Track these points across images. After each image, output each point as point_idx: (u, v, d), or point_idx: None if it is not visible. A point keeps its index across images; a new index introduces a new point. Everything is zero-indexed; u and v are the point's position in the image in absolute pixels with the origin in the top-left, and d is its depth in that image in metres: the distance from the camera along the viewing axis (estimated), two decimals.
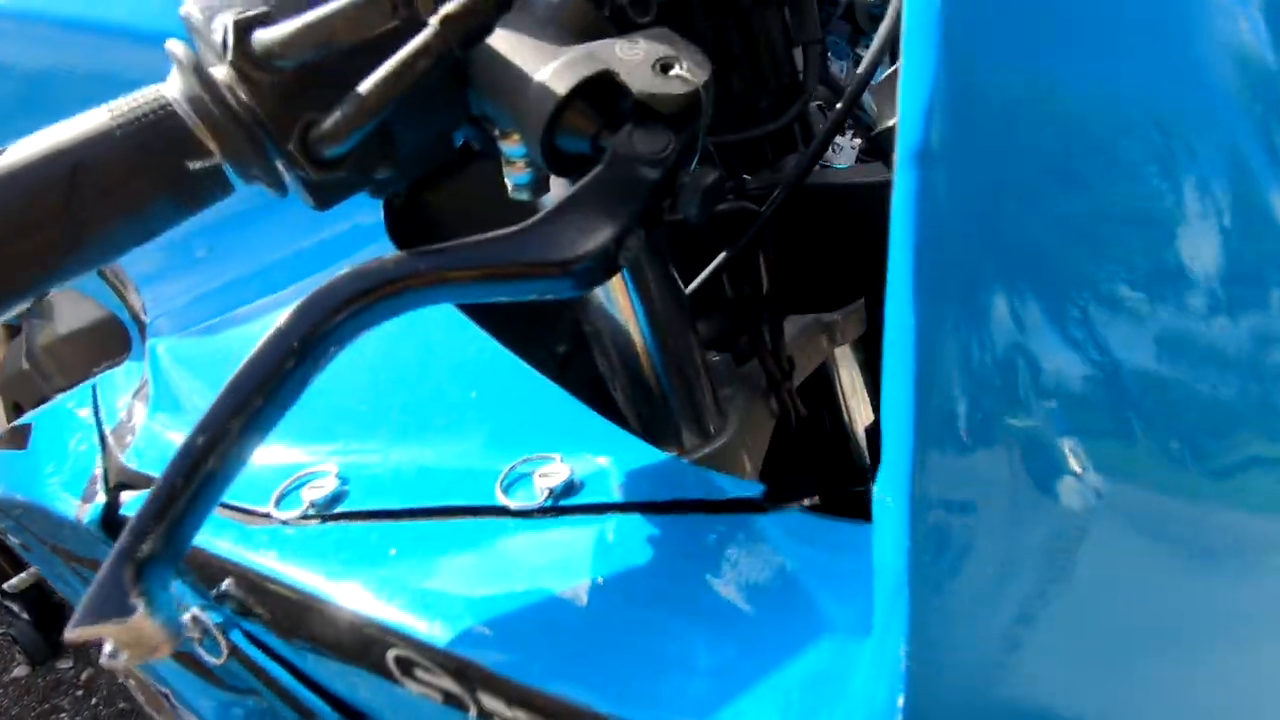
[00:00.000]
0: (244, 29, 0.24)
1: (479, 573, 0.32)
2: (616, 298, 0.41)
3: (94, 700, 1.46)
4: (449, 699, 0.30)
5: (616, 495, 0.34)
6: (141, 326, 0.54)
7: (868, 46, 0.61)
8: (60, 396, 0.54)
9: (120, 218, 0.27)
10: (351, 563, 0.34)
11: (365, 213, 0.52)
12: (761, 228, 0.47)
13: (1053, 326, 0.17)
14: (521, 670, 0.26)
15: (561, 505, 0.34)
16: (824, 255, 0.54)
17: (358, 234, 0.51)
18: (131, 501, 0.42)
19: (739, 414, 0.48)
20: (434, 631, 0.29)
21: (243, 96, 0.26)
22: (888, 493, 0.17)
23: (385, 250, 0.40)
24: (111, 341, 0.61)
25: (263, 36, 0.24)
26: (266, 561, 0.35)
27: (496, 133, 0.34)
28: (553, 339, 0.52)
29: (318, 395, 0.44)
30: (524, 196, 0.34)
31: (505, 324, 0.44)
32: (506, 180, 0.35)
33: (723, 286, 0.52)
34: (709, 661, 0.25)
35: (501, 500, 0.34)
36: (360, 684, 0.36)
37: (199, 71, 0.26)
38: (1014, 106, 0.19)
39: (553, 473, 0.35)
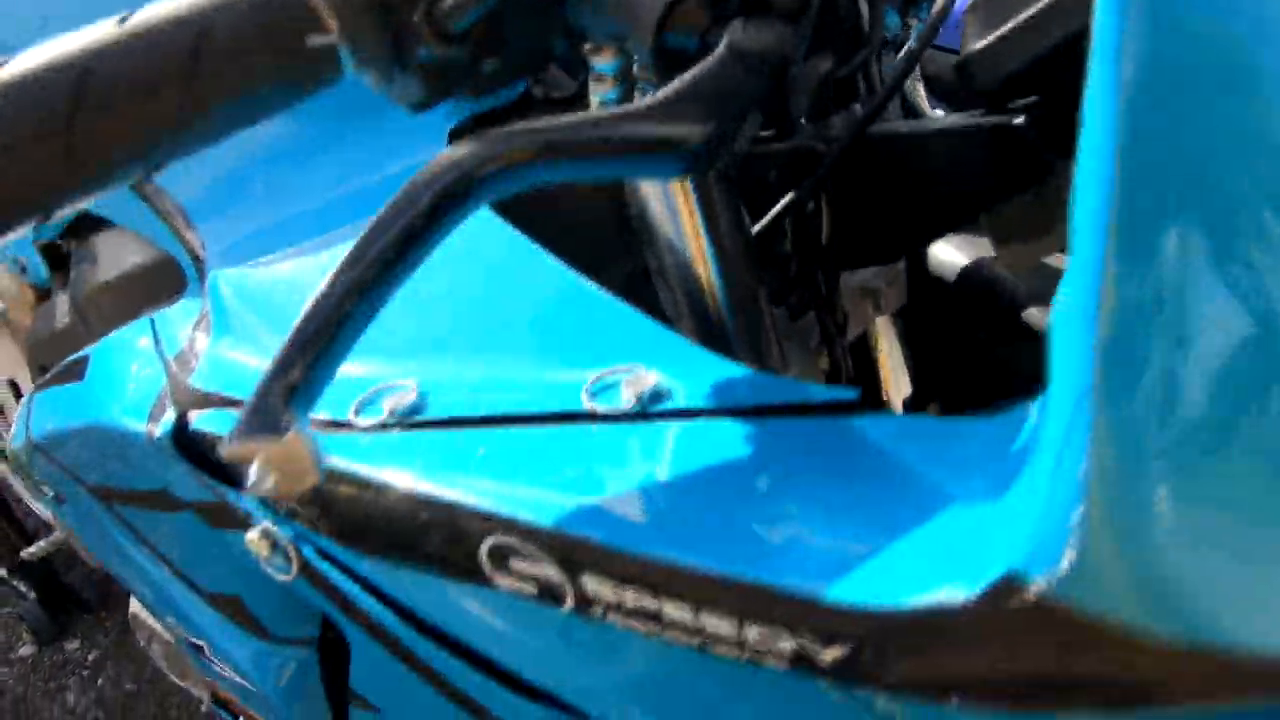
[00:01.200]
0: None
1: (575, 467, 0.32)
2: (686, 232, 0.41)
3: (100, 681, 1.44)
4: (545, 591, 0.30)
5: (708, 402, 0.34)
6: (199, 262, 0.54)
7: (919, 18, 0.61)
8: (117, 331, 0.54)
9: (239, 88, 0.27)
10: (439, 463, 0.34)
11: (422, 152, 0.52)
12: (825, 173, 0.47)
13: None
14: (634, 540, 0.26)
15: (651, 411, 0.34)
16: (876, 207, 0.55)
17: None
18: (204, 417, 0.42)
19: (795, 368, 0.48)
20: (537, 513, 0.29)
21: None
22: (1072, 294, 0.17)
23: None
24: (162, 285, 0.61)
25: None
26: (348, 466, 0.35)
27: (588, 47, 0.34)
28: (617, 266, 0.53)
29: (392, 318, 0.44)
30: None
31: (571, 250, 0.44)
32: (593, 98, 0.36)
33: (780, 238, 0.52)
34: (832, 527, 0.25)
35: (589, 406, 0.34)
36: (441, 589, 0.36)
37: None
38: None
39: (641, 380, 0.35)
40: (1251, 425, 0.17)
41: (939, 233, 0.55)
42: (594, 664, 0.34)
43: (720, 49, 0.29)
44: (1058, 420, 0.18)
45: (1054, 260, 0.67)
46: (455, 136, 0.53)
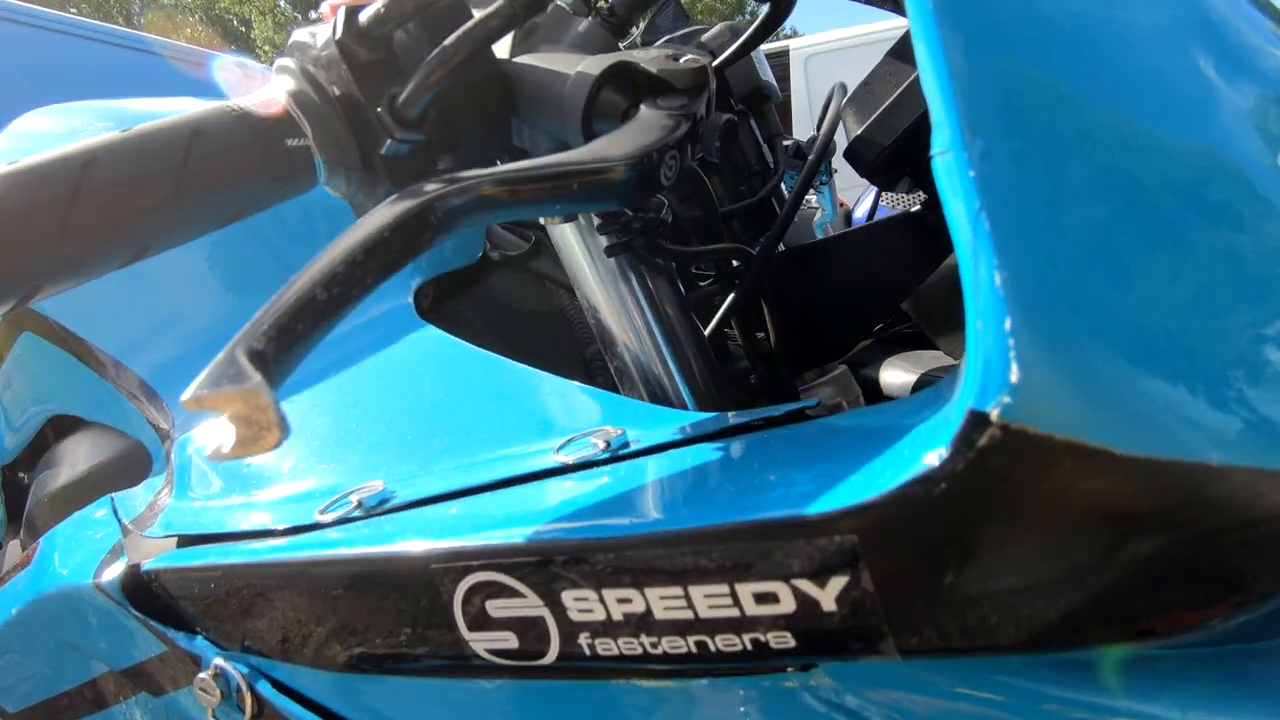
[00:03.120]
0: (352, 11, 0.31)
1: (549, 508, 0.31)
2: (631, 308, 0.45)
3: None
4: (526, 636, 0.28)
5: (676, 437, 0.34)
6: (164, 436, 0.54)
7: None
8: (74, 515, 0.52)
9: (225, 182, 0.31)
10: (410, 531, 0.32)
11: (389, 310, 0.56)
12: (759, 272, 0.52)
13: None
14: (609, 530, 0.25)
15: (622, 454, 0.34)
16: (813, 309, 0.59)
17: (388, 332, 0.55)
18: (157, 559, 0.39)
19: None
20: (510, 538, 0.28)
21: (341, 78, 0.32)
22: (943, 147, 0.20)
23: None
24: (119, 480, 0.60)
25: (367, 13, 0.30)
26: (313, 555, 0.33)
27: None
28: (581, 350, 0.54)
29: (352, 436, 0.44)
30: None
31: (540, 349, 0.46)
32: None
33: (732, 338, 0.56)
34: (804, 467, 0.24)
35: (559, 460, 0.34)
36: (410, 691, 0.32)
37: (304, 70, 0.32)
38: None
39: (608, 433, 0.35)
40: (1137, 222, 0.19)
41: (873, 324, 0.59)
42: None
43: (636, 116, 0.34)
44: (966, 260, 0.20)
45: None
46: (420, 299, 0.57)
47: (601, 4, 0.40)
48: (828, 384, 0.70)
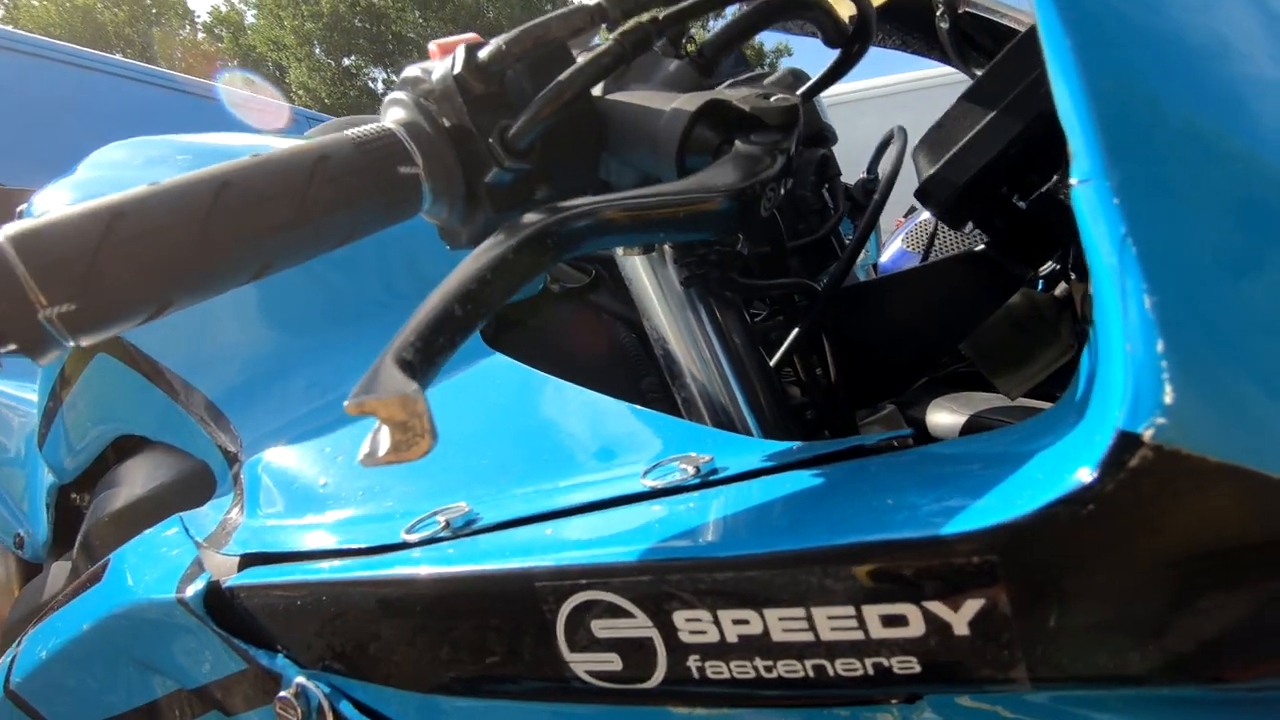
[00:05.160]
0: (473, 48, 0.32)
1: (644, 531, 0.31)
2: (700, 340, 0.46)
3: None
4: (631, 657, 0.28)
5: (767, 464, 0.34)
6: (231, 458, 0.55)
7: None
8: (142, 534, 0.52)
9: (341, 206, 0.32)
10: (506, 552, 0.32)
11: (465, 346, 0.57)
12: (823, 308, 0.53)
13: None
14: (723, 548, 0.25)
15: (712, 480, 0.34)
16: (873, 346, 0.59)
17: (458, 359, 0.55)
18: (238, 577, 0.40)
19: None
20: (619, 558, 0.28)
21: (455, 110, 0.33)
22: (1083, 176, 0.20)
23: None
24: (178, 502, 0.61)
25: (486, 50, 0.32)
26: (402, 573, 0.33)
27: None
28: (637, 381, 0.55)
29: (432, 457, 0.45)
30: None
31: (597, 379, 0.47)
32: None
33: (796, 372, 0.56)
34: (929, 489, 0.24)
35: (648, 484, 0.34)
36: (502, 714, 0.32)
37: (417, 103, 0.34)
38: None
39: (695, 459, 0.35)
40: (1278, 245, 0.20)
41: (931, 362, 0.59)
42: None
43: (734, 150, 0.35)
44: (1109, 285, 0.20)
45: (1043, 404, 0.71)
46: (483, 329, 0.59)
47: (690, 46, 0.41)
48: (877, 422, 0.70)
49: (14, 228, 0.26)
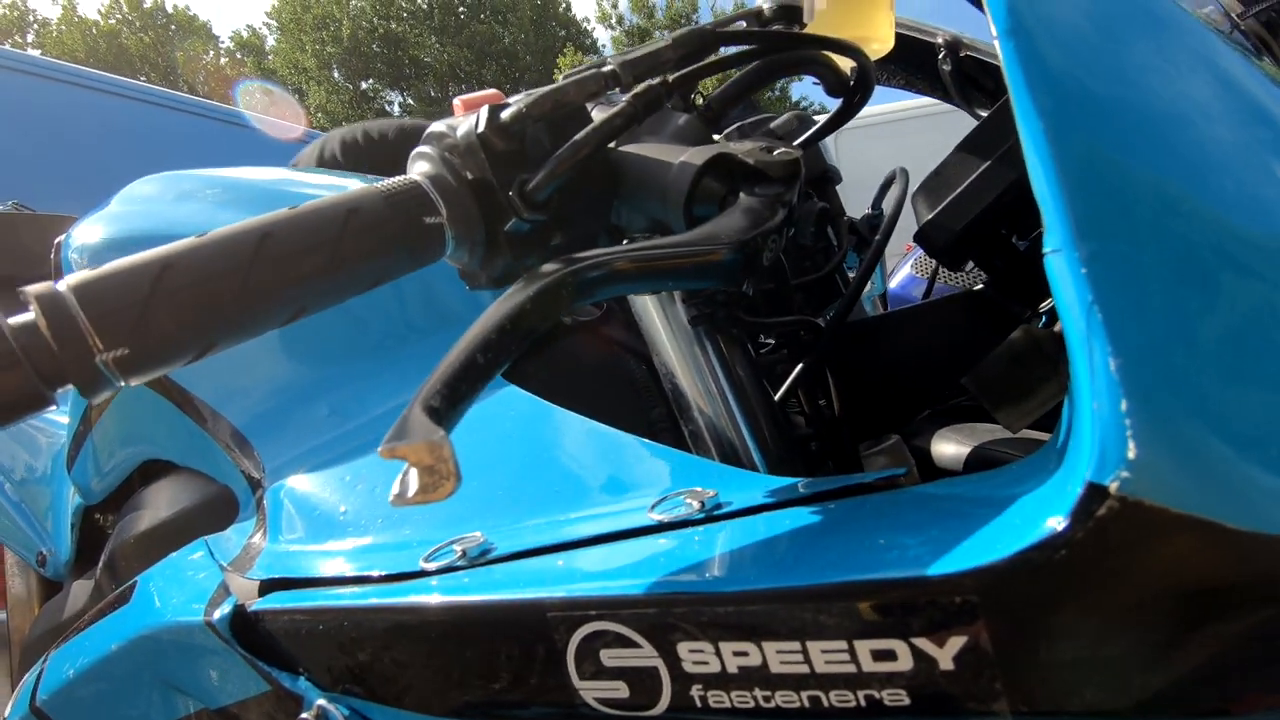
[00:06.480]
0: (496, 109, 0.35)
1: (652, 564, 0.32)
2: (707, 374, 0.48)
3: None
4: (637, 687, 0.29)
5: (769, 500, 0.36)
6: (255, 484, 0.57)
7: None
8: (168, 557, 0.54)
9: (371, 253, 0.34)
10: (518, 582, 0.34)
11: None
12: (827, 342, 0.55)
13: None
14: (726, 583, 0.27)
15: (717, 515, 0.36)
16: (875, 381, 0.61)
17: None
18: (263, 601, 0.42)
19: None
20: (626, 590, 0.29)
21: (477, 164, 0.35)
22: (1055, 246, 0.22)
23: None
24: (202, 526, 0.63)
25: (508, 111, 0.35)
26: (421, 600, 0.35)
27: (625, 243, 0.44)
28: (646, 412, 0.57)
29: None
30: None
31: (607, 409, 0.49)
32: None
33: (800, 404, 0.58)
34: (915, 532, 0.26)
35: (655, 518, 0.36)
36: None
37: (442, 157, 0.36)
38: None
39: (701, 494, 0.37)
40: (1235, 312, 0.21)
41: (933, 396, 0.60)
42: None
43: (738, 202, 0.37)
44: (1078, 347, 0.22)
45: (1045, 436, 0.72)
46: None
47: (698, 101, 0.44)
48: (881, 453, 0.72)
49: (75, 278, 0.28)
